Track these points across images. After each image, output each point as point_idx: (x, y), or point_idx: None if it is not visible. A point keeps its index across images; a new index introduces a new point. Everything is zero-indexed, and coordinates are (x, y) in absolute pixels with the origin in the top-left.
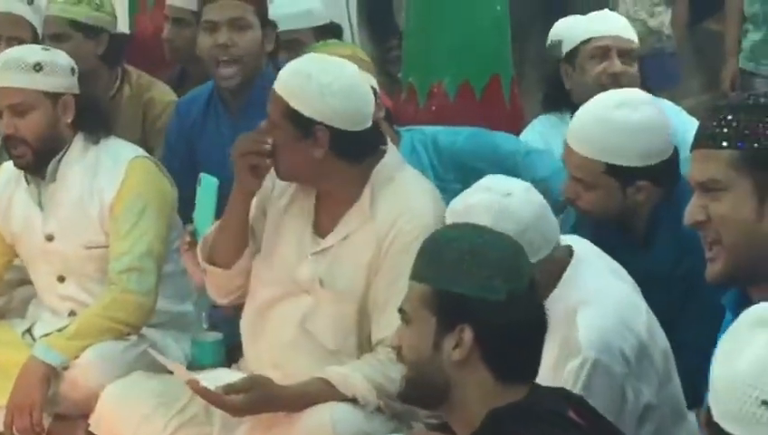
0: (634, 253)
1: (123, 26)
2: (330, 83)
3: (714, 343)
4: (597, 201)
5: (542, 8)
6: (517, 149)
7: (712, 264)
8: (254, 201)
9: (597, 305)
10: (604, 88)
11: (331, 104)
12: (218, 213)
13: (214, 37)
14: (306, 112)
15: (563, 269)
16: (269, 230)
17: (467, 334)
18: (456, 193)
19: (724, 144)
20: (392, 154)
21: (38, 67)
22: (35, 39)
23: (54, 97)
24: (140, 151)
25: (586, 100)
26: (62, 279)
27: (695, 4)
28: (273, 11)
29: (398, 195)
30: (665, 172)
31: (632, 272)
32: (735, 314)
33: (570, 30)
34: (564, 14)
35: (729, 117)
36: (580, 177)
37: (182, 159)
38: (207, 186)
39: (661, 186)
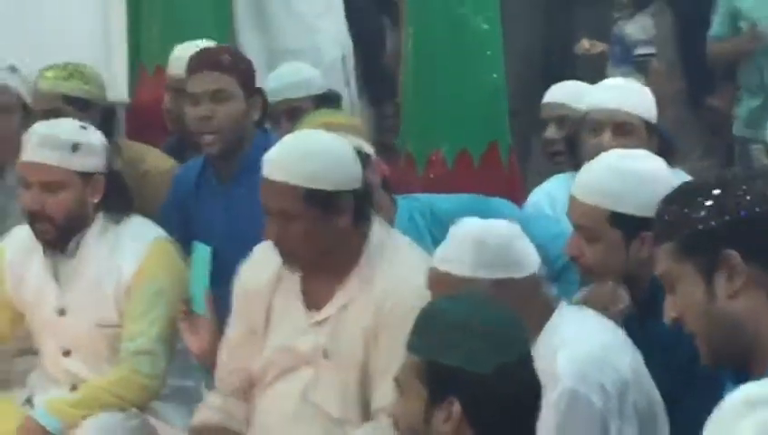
0: (635, 322)
1: (123, 94)
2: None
3: None
4: (599, 256)
5: (542, 76)
6: (514, 213)
7: (701, 352)
8: (237, 319)
9: (577, 343)
10: None
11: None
12: (212, 280)
13: (196, 109)
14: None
15: (552, 309)
16: (258, 320)
17: (456, 407)
18: None
19: (664, 239)
20: (378, 221)
21: (75, 147)
22: (24, 108)
23: (86, 177)
24: (161, 232)
25: None
26: (67, 353)
27: (693, 83)
28: (274, 81)
29: (395, 262)
30: None
31: (633, 342)
32: (737, 384)
33: (578, 98)
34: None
35: (662, 212)
36: (584, 226)
37: (176, 229)
38: (201, 254)
39: None
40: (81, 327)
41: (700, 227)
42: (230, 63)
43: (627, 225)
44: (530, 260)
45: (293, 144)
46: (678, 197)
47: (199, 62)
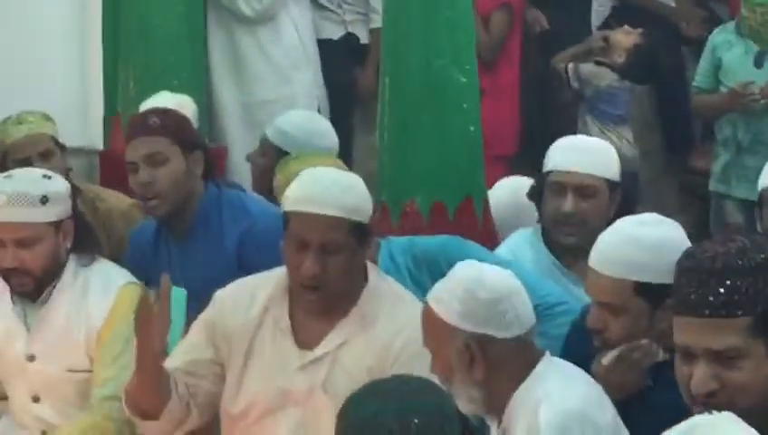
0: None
1: (98, 141)
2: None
3: None
4: (625, 328)
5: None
6: (487, 256)
7: None
8: (203, 337)
9: (560, 397)
10: (558, 224)
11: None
12: (188, 326)
13: (137, 176)
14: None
15: (535, 362)
16: (235, 359)
17: None
18: None
19: (739, 312)
20: (371, 266)
21: (44, 199)
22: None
23: (57, 224)
24: (130, 277)
25: (549, 226)
26: (36, 399)
27: (671, 139)
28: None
29: (397, 305)
30: None
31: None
32: None
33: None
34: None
35: (738, 283)
36: (608, 300)
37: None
38: (177, 299)
39: None
40: (51, 373)
41: None
42: (159, 125)
43: (652, 293)
44: (520, 320)
45: (330, 179)
46: (755, 271)
47: (131, 130)
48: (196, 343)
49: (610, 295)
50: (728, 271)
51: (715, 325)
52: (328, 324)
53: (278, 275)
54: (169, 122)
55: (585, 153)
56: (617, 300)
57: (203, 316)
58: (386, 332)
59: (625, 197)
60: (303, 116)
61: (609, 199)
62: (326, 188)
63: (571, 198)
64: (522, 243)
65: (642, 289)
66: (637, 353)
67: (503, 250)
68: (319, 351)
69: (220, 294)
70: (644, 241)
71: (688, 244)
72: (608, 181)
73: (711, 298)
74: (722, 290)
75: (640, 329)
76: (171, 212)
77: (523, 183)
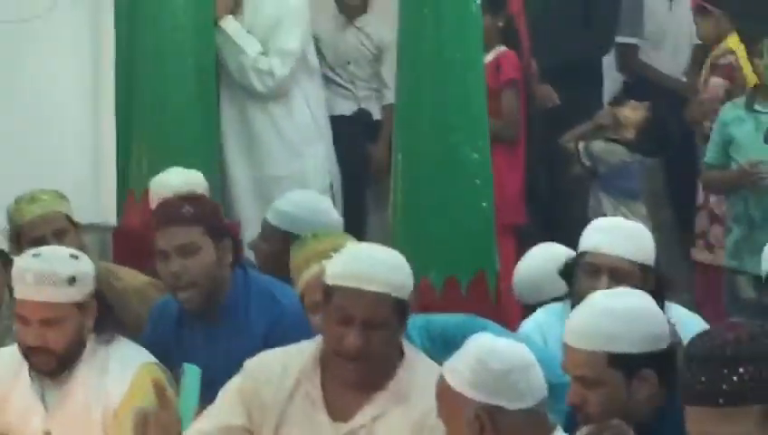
0: None
1: (111, 217)
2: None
3: None
4: (602, 401)
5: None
6: (504, 332)
7: None
8: (235, 404)
9: None
10: None
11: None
12: (201, 402)
13: (167, 265)
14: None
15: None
16: (267, 426)
17: None
18: None
19: (753, 400)
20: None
21: (72, 280)
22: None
23: (82, 304)
24: (149, 357)
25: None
26: None
27: (682, 213)
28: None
29: (430, 378)
30: (667, 363)
31: None
32: None
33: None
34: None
35: (751, 370)
36: (582, 374)
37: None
38: (191, 375)
39: (664, 381)
40: None
41: None
42: (193, 215)
43: (626, 364)
44: (532, 392)
45: (375, 256)
46: (764, 354)
47: (162, 218)
48: (227, 410)
49: (584, 369)
50: (740, 359)
51: (729, 414)
52: (363, 397)
53: (309, 347)
54: (202, 211)
55: (620, 236)
56: (591, 373)
57: (234, 385)
58: (421, 404)
59: (659, 280)
60: (303, 195)
61: (641, 284)
62: (371, 265)
63: (605, 280)
64: (550, 318)
65: (616, 360)
66: (606, 434)
67: (530, 326)
68: (354, 423)
69: (252, 364)
70: (616, 312)
71: (660, 313)
72: (641, 265)
73: (725, 387)
74: (735, 379)
75: (619, 401)
76: (203, 303)
77: (557, 252)
